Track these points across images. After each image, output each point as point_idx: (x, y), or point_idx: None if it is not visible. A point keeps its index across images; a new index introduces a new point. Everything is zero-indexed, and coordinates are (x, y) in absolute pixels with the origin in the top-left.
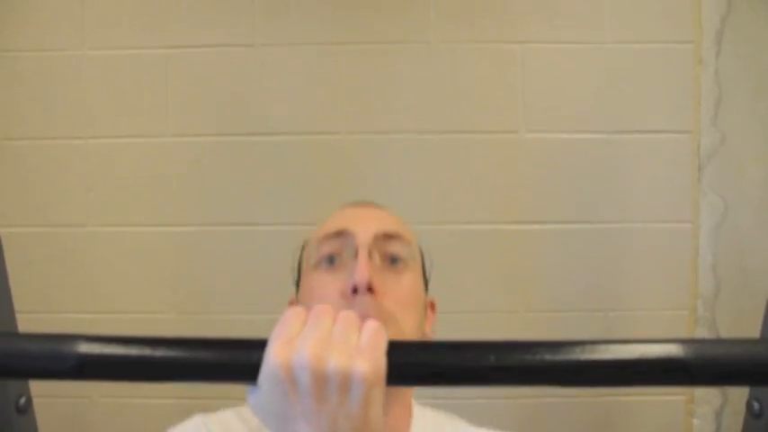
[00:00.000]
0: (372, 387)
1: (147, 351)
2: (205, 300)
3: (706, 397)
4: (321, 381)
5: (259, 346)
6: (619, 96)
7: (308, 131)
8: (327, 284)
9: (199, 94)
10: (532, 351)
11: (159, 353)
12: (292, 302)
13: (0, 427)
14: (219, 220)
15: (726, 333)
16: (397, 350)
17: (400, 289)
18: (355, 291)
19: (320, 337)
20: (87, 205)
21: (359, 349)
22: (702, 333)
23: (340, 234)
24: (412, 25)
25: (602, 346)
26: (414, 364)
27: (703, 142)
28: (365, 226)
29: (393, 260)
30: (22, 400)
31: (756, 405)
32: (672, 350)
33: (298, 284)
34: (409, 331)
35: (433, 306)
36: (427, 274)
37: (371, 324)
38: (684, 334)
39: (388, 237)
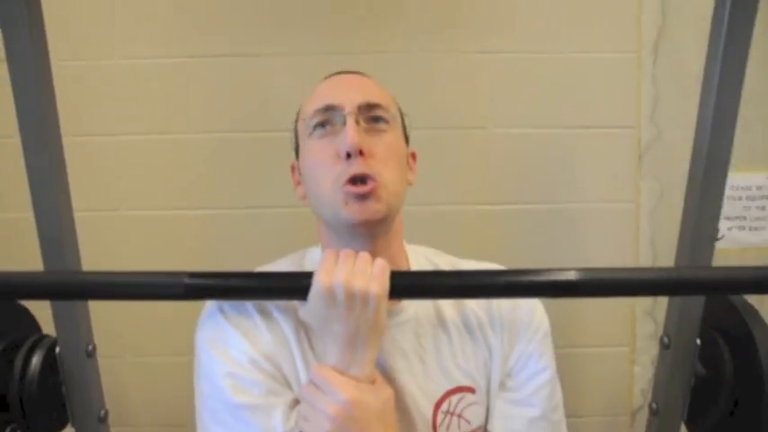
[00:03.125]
0: (381, 301)
1: (233, 282)
2: None
3: (645, 347)
4: (350, 296)
5: (309, 275)
6: (572, 97)
7: None
8: (323, 150)
9: (215, 97)
10: (480, 276)
11: (242, 282)
12: (294, 167)
13: (74, 366)
14: (234, 203)
15: None
16: (396, 277)
17: (384, 148)
18: (348, 155)
19: (348, 268)
20: (119, 192)
21: (373, 276)
22: None
23: (328, 108)
24: (397, 38)
25: (522, 273)
26: (407, 285)
27: (643, 136)
28: (351, 96)
29: (376, 120)
30: (90, 347)
31: (666, 339)
32: (566, 274)
33: (296, 151)
34: (393, 185)
35: (413, 156)
36: (407, 130)
37: (380, 261)
38: None
39: (371, 106)
